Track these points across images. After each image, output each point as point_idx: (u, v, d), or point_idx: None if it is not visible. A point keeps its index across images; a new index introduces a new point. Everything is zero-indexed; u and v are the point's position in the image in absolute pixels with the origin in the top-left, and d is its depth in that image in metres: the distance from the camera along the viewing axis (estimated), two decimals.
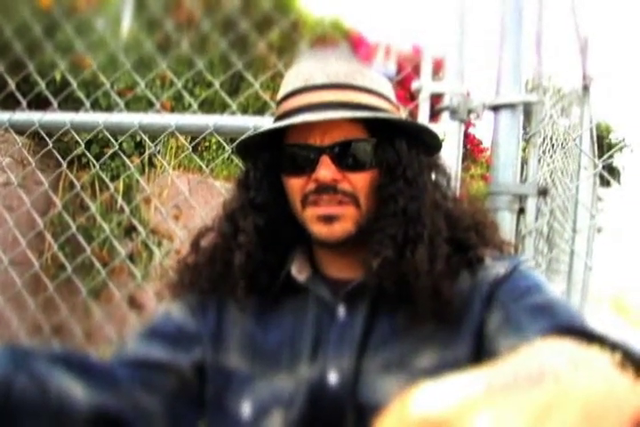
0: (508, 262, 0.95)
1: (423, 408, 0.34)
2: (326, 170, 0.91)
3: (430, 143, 1.00)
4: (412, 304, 0.90)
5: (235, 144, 1.00)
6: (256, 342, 0.98)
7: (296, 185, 0.95)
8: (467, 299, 0.92)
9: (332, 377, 0.91)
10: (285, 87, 0.99)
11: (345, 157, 0.93)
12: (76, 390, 0.82)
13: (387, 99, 0.99)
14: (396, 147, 0.95)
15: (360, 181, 0.93)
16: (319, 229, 0.93)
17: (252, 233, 0.97)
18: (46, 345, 2.34)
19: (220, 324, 1.00)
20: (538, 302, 0.86)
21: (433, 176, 0.99)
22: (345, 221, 0.93)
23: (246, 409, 0.93)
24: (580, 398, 0.33)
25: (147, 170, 3.01)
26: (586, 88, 3.32)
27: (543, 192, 1.40)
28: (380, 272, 0.90)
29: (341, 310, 0.95)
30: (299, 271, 0.99)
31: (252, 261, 0.96)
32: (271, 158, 0.98)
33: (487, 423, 0.31)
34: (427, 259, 0.89)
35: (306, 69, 0.97)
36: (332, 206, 0.92)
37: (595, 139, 4.32)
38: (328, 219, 0.92)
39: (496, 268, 0.94)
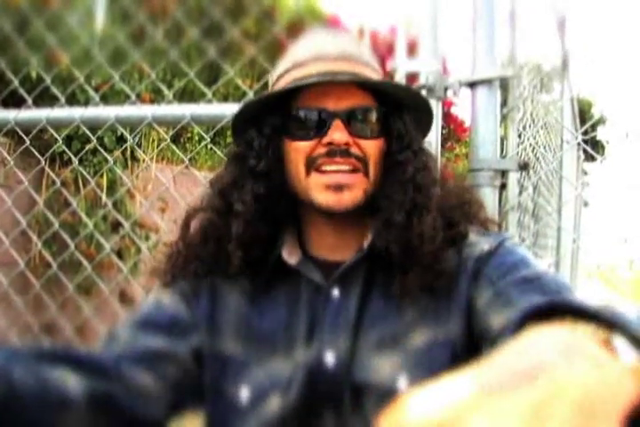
0: (492, 239, 0.96)
1: (418, 414, 0.33)
2: (340, 133, 0.92)
3: (425, 121, 1.04)
4: (406, 275, 0.90)
5: (238, 110, 0.98)
6: (250, 327, 0.97)
7: (303, 149, 0.95)
8: (454, 275, 0.92)
9: (329, 359, 0.91)
10: (293, 57, 0.99)
11: (357, 123, 0.94)
12: (71, 380, 0.82)
13: (384, 78, 1.05)
14: (403, 118, 0.98)
15: (369, 148, 0.95)
16: (326, 198, 0.93)
17: (250, 202, 0.95)
18: (38, 344, 2.33)
19: (214, 309, 1.00)
20: (525, 275, 0.87)
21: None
22: (354, 190, 0.93)
23: (244, 394, 0.93)
24: (575, 392, 0.32)
25: (130, 164, 2.99)
26: (564, 63, 3.32)
27: (524, 167, 1.40)
28: (388, 236, 0.91)
29: (335, 292, 0.95)
30: (289, 254, 0.98)
31: (250, 230, 0.95)
32: (278, 124, 0.97)
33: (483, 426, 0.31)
34: (431, 226, 0.91)
35: (316, 42, 0.99)
36: (341, 174, 0.93)
37: (576, 114, 4.32)
38: (337, 188, 0.92)
39: (481, 244, 0.95)
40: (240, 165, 0.99)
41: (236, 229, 0.95)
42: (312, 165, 0.94)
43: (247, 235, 0.95)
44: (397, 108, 0.98)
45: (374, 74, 0.99)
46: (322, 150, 0.93)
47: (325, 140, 0.92)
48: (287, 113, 0.96)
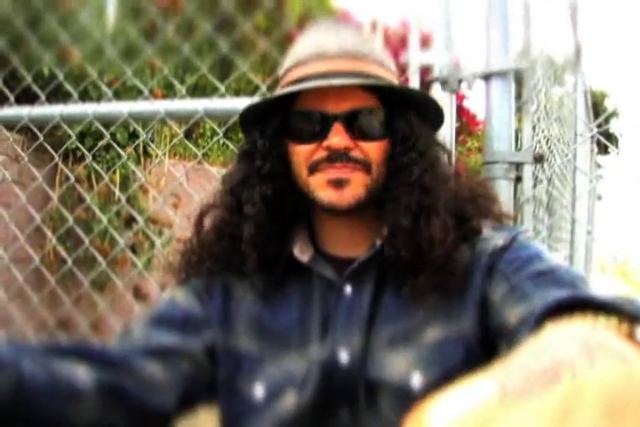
0: (506, 233, 0.95)
1: (442, 421, 0.33)
2: (339, 137, 0.90)
3: (434, 118, 1.00)
4: (417, 277, 0.89)
5: (242, 111, 0.98)
6: (264, 324, 0.98)
7: (305, 152, 0.94)
8: (467, 271, 0.91)
9: (343, 356, 0.91)
10: (295, 55, 0.98)
11: (358, 125, 0.92)
12: (79, 371, 0.84)
13: (393, 73, 0.99)
14: (408, 118, 0.95)
15: (372, 150, 0.93)
16: (329, 195, 0.92)
17: (259, 204, 0.95)
18: (53, 339, 2.35)
19: (227, 306, 1.00)
20: (540, 269, 0.86)
21: (440, 150, 1.00)
22: (355, 186, 0.92)
23: (259, 391, 0.93)
24: (599, 391, 0.31)
25: (142, 160, 3.00)
26: (578, 55, 3.29)
27: (539, 159, 1.39)
28: (396, 242, 0.90)
29: (348, 289, 0.95)
30: (301, 251, 0.98)
31: (262, 231, 0.95)
32: (279, 126, 0.96)
33: None
34: (440, 229, 0.89)
35: (317, 39, 0.97)
36: (343, 169, 0.91)
37: (590, 106, 4.29)
38: (338, 183, 0.91)
39: (495, 239, 0.94)
40: (248, 163, 0.99)
41: (247, 230, 0.95)
42: (315, 168, 0.93)
43: (260, 236, 0.95)
44: (404, 107, 0.95)
45: (381, 70, 0.96)
46: (323, 154, 0.92)
47: (325, 143, 0.91)
48: (289, 114, 0.95)
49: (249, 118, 0.99)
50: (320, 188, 0.93)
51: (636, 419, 0.29)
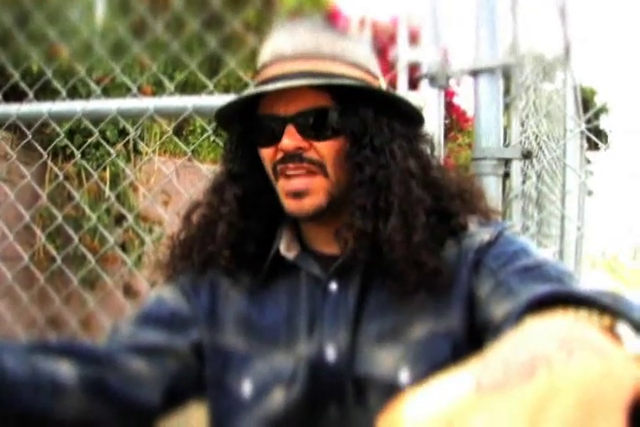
0: (492, 229, 0.94)
1: (416, 414, 0.33)
2: (289, 139, 0.91)
3: (410, 113, 0.98)
4: (398, 276, 0.89)
5: (214, 116, 1.00)
6: (252, 321, 0.98)
7: (267, 156, 0.95)
8: (453, 267, 0.91)
9: (330, 353, 0.91)
10: (261, 57, 0.98)
11: (309, 125, 0.92)
12: (63, 366, 0.85)
13: (359, 67, 0.96)
14: (361, 114, 0.93)
15: (326, 150, 0.92)
16: (289, 204, 0.93)
17: (232, 203, 0.96)
18: (43, 338, 2.34)
19: (214, 303, 1.01)
20: (526, 264, 0.86)
21: (411, 145, 0.96)
22: (314, 195, 0.92)
23: (247, 388, 0.94)
24: (576, 386, 0.31)
25: (132, 157, 2.99)
26: (567, 52, 3.29)
27: (527, 155, 1.40)
28: (354, 245, 0.90)
29: (333, 286, 0.95)
30: (287, 249, 0.98)
31: (233, 230, 0.96)
32: (246, 129, 0.98)
33: None
34: (400, 229, 0.88)
35: (276, 41, 0.97)
36: (300, 179, 0.91)
37: (579, 102, 4.31)
38: (296, 195, 0.92)
39: (480, 234, 0.93)
40: (224, 165, 1.02)
41: (220, 229, 0.96)
42: (276, 171, 0.94)
43: (232, 235, 0.96)
44: (364, 103, 0.93)
45: (339, 66, 0.93)
46: (279, 156, 0.93)
47: (280, 145, 0.92)
48: (253, 119, 0.96)
49: (222, 121, 1.02)
50: (282, 196, 0.94)
51: (612, 414, 0.30)
